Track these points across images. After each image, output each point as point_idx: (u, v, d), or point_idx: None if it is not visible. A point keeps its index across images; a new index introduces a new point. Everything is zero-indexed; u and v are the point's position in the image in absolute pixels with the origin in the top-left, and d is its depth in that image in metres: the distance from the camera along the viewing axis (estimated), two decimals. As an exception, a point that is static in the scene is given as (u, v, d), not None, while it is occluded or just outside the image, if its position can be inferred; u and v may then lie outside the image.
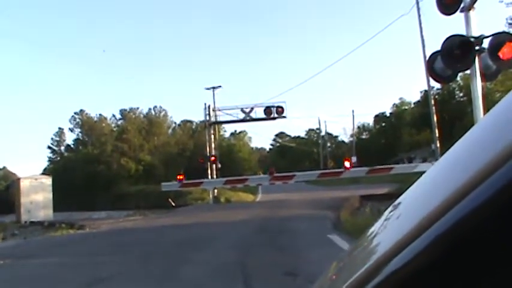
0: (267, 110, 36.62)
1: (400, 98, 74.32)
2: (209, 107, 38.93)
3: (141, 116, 73.52)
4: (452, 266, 0.52)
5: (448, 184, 0.56)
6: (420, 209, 0.58)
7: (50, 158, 75.57)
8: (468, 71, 9.38)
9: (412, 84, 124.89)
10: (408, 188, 0.75)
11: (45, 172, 55.08)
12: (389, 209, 0.80)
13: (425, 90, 40.16)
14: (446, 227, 0.52)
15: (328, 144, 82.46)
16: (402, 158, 54.68)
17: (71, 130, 73.99)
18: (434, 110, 29.74)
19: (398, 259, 0.57)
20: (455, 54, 8.48)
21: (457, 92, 52.18)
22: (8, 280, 9.34)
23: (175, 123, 76.02)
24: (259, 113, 37.46)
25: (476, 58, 8.67)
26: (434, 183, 0.67)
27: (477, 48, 8.61)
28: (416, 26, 29.86)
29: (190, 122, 73.62)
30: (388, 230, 0.72)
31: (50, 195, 31.72)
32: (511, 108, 0.57)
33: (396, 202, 0.78)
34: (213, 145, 38.72)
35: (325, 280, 0.98)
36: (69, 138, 75.65)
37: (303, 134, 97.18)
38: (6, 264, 11.23)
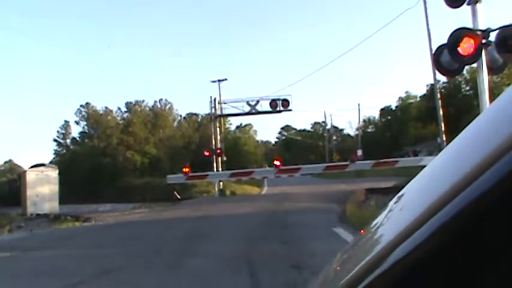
0: (273, 103, 36.52)
1: (406, 92, 74.18)
2: (215, 100, 38.93)
3: (147, 108, 73.56)
4: (454, 254, 0.53)
5: (450, 174, 0.57)
6: (423, 200, 0.59)
7: (55, 150, 75.77)
8: (475, 65, 9.35)
9: (418, 78, 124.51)
10: (412, 179, 0.76)
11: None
12: (393, 200, 0.81)
13: (431, 84, 39.97)
14: (449, 217, 0.53)
15: (334, 138, 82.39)
16: (407, 151, 54.50)
17: (77, 123, 74.06)
18: (440, 104, 29.61)
19: (401, 249, 0.58)
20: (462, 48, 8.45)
21: (464, 86, 51.92)
22: (15, 272, 9.39)
23: (180, 116, 76.09)
24: (265, 106, 37.43)
25: (483, 51, 8.64)
26: (437, 173, 0.68)
27: (484, 41, 8.58)
28: (423, 19, 29.73)
29: (196, 115, 73.74)
30: (392, 221, 0.73)
31: (56, 188, 31.78)
32: None
33: (400, 194, 0.79)
34: (218, 138, 38.76)
35: (330, 271, 0.99)
36: (75, 131, 75.75)
37: (308, 127, 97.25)
38: (12, 256, 11.32)
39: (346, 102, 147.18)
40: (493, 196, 0.50)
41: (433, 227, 0.54)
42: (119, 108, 73.95)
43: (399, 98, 74.68)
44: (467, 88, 50.48)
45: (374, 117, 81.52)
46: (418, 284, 0.57)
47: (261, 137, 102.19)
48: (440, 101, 29.85)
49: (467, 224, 0.52)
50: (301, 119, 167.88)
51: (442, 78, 41.33)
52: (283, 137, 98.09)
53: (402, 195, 0.77)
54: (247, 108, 38.30)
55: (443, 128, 28.89)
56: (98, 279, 8.07)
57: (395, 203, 0.78)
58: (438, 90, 31.60)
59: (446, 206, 0.54)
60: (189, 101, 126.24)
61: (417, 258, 0.56)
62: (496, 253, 0.51)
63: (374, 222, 0.85)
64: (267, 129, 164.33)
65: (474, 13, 9.10)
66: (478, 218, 0.51)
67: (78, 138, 74.64)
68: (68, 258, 10.54)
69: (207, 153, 38.46)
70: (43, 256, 11.25)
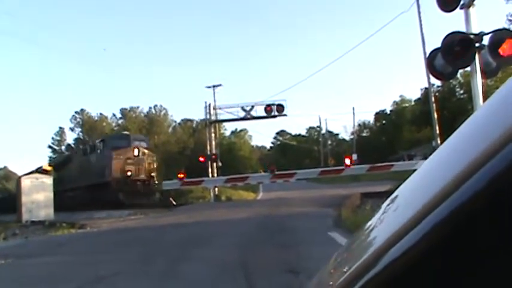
0: (268, 108, 36.57)
1: (401, 96, 74.59)
2: (209, 105, 38.97)
3: (142, 114, 73.68)
4: (448, 255, 0.53)
5: (442, 175, 0.57)
6: (416, 201, 0.59)
7: (50, 157, 75.60)
8: (468, 68, 9.38)
9: (412, 82, 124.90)
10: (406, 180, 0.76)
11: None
12: (387, 202, 0.80)
13: (426, 88, 40.14)
14: (442, 217, 0.53)
15: (329, 142, 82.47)
16: (403, 155, 54.58)
17: (72, 129, 74.30)
18: (434, 107, 29.73)
19: (395, 250, 0.58)
20: (455, 51, 8.48)
21: (458, 89, 52.07)
22: (10, 279, 9.34)
23: (175, 121, 76.27)
24: (259, 111, 37.49)
25: (477, 55, 8.67)
26: (429, 174, 0.67)
27: (477, 45, 8.61)
28: (417, 23, 29.87)
29: (191, 120, 73.82)
30: (385, 222, 0.73)
31: (51, 195, 31.64)
32: (507, 96, 0.58)
33: (393, 195, 0.78)
34: (213, 143, 38.76)
35: (324, 274, 0.99)
36: (70, 137, 75.87)
37: (303, 132, 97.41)
38: (7, 263, 11.24)
39: (341, 107, 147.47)
40: (484, 196, 0.50)
41: (427, 228, 0.54)
42: (114, 115, 74.08)
43: (394, 102, 75.09)
44: (462, 92, 50.62)
45: (369, 122, 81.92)
46: (413, 284, 0.57)
47: (256, 142, 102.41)
48: (434, 105, 29.97)
49: (460, 224, 0.52)
50: (296, 123, 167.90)
51: (437, 82, 41.55)
52: (278, 142, 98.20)
53: (396, 196, 0.77)
54: (242, 114, 38.34)
55: (437, 132, 28.98)
56: (93, 286, 8.03)
57: (388, 204, 0.78)
58: (432, 94, 31.75)
59: (439, 206, 0.53)
60: (184, 106, 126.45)
61: (411, 258, 0.56)
62: (490, 252, 0.51)
63: (368, 224, 0.85)
64: (262, 135, 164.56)
65: (467, 17, 9.13)
66: (471, 218, 0.51)
67: (73, 145, 74.53)
68: (63, 265, 10.49)
69: (202, 159, 38.45)
70: (37, 263, 11.19)
